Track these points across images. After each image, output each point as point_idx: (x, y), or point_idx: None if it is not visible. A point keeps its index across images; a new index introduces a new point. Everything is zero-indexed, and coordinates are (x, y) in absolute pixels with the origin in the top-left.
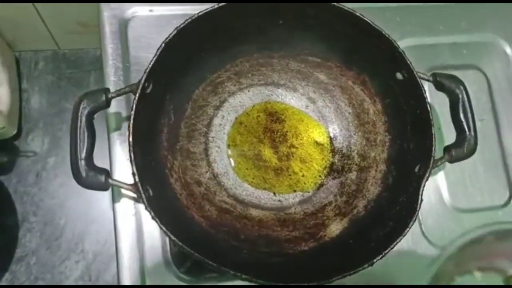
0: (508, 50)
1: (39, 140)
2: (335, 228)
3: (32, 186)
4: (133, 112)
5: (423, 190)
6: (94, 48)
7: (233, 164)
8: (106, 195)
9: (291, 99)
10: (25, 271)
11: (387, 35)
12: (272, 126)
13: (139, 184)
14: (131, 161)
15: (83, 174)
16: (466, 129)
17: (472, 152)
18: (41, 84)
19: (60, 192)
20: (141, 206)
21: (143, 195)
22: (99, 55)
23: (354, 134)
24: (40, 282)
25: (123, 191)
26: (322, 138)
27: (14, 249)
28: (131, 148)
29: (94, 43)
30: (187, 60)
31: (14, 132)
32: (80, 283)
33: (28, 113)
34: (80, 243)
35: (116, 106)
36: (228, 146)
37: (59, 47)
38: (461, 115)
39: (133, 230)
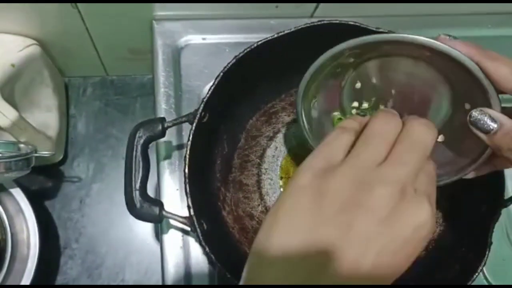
0: None
1: (84, 166)
2: None
3: (75, 212)
4: (189, 143)
5: (492, 232)
6: (141, 74)
7: None
8: (147, 225)
9: None
10: None
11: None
12: None
13: (194, 218)
14: (186, 193)
15: (137, 205)
16: None
17: None
18: (88, 110)
19: (103, 219)
20: (190, 239)
21: (198, 229)
22: (146, 81)
23: None
24: None
25: (172, 222)
26: None
27: (56, 276)
28: (187, 180)
29: (141, 70)
30: (242, 89)
31: (61, 157)
32: None
33: (75, 138)
34: (120, 273)
35: (167, 135)
36: (281, 178)
37: (107, 74)
38: None
39: (180, 263)
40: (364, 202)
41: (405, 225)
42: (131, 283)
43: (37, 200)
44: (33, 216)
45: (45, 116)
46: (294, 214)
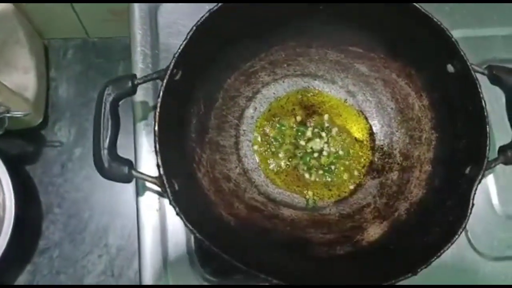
0: None
1: (66, 130)
2: (373, 232)
3: (57, 177)
4: (159, 100)
5: (474, 193)
6: (124, 37)
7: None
8: (131, 189)
9: (329, 92)
10: (48, 263)
11: (438, 23)
12: (307, 120)
13: (164, 177)
14: (156, 152)
15: (106, 165)
16: None
17: None
18: (69, 73)
19: (85, 184)
20: (166, 201)
21: (168, 189)
22: (129, 44)
23: (397, 131)
24: (62, 276)
25: (148, 184)
26: (361, 135)
27: (38, 241)
28: (157, 138)
29: (124, 32)
30: (219, 46)
31: (40, 120)
32: (102, 278)
33: (56, 102)
34: (103, 237)
35: (143, 95)
36: (258, 140)
37: (88, 36)
38: None
39: (156, 226)
40: None
41: None
42: (114, 248)
43: (17, 165)
44: (8, 178)
45: (23, 77)
46: None
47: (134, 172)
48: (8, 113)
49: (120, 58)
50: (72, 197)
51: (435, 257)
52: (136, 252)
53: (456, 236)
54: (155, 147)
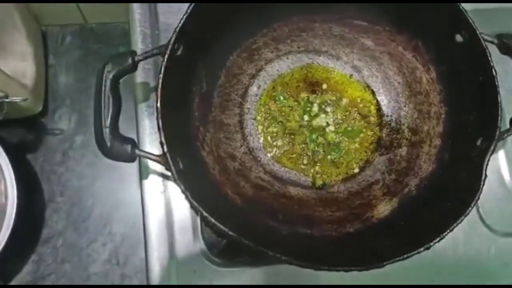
0: None
1: (66, 118)
2: (383, 208)
3: (59, 165)
4: (161, 75)
5: (487, 165)
6: (122, 22)
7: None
8: (134, 176)
9: (334, 68)
10: (52, 252)
11: None
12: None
13: (168, 155)
14: (159, 128)
15: (108, 144)
16: None
17: None
18: (68, 60)
19: (88, 172)
20: (171, 183)
21: (172, 167)
22: (128, 29)
23: (404, 106)
24: (67, 265)
25: (152, 166)
26: (368, 110)
27: (41, 230)
28: (159, 115)
29: (122, 17)
30: (220, 22)
31: (40, 108)
32: (107, 266)
33: (55, 89)
34: (108, 225)
35: (144, 75)
36: (264, 119)
37: (86, 21)
38: None
39: (162, 209)
40: None
41: None
42: (118, 236)
43: (18, 154)
44: (9, 166)
45: (21, 64)
46: None
47: (137, 151)
48: (6, 98)
49: (119, 44)
50: (75, 185)
51: (449, 231)
52: (141, 239)
53: (470, 208)
54: (158, 124)
